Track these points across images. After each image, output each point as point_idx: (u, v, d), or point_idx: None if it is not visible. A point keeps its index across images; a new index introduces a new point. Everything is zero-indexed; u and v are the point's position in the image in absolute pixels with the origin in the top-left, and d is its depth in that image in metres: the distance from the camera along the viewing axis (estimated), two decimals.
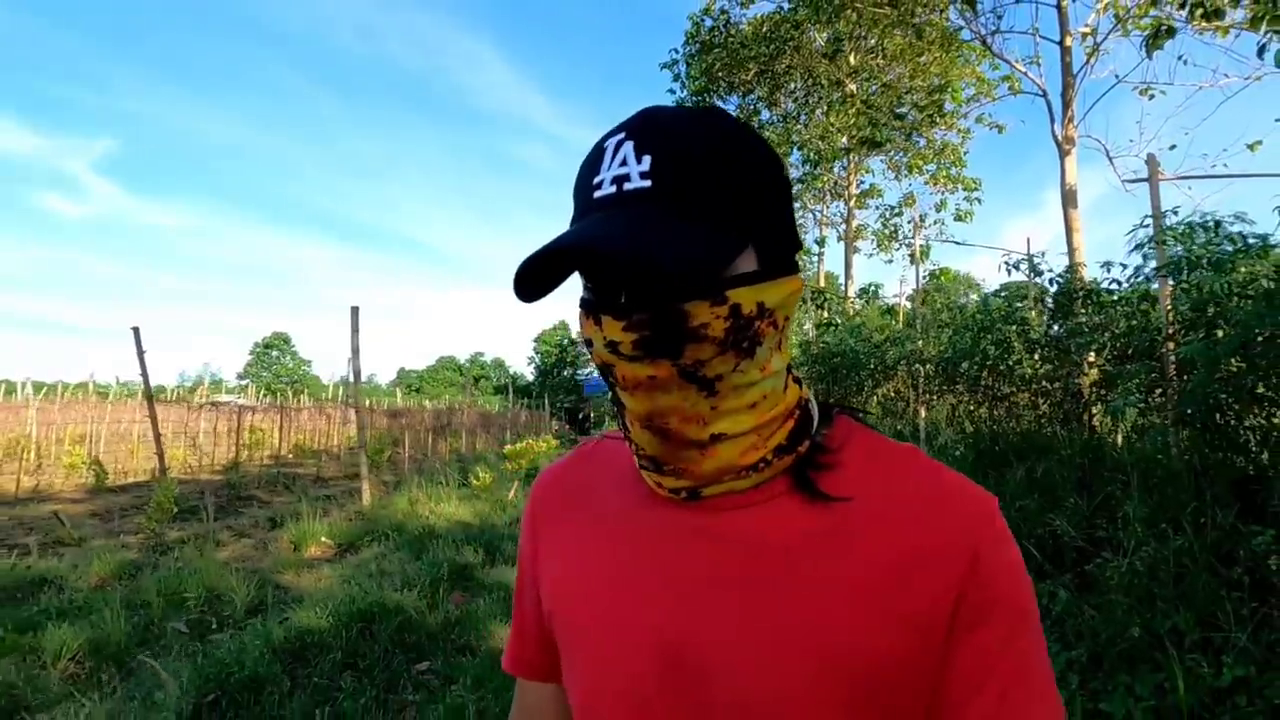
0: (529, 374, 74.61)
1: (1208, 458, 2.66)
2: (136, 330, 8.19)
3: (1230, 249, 2.69)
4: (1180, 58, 9.14)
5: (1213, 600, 2.23)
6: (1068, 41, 10.01)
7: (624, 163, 0.48)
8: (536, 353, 76.50)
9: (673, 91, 18.47)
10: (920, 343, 5.02)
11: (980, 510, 0.53)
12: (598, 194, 0.49)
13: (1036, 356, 3.91)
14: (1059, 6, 10.05)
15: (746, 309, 0.49)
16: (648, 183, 0.47)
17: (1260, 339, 2.32)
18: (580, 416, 39.72)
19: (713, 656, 0.51)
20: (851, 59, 14.28)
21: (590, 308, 0.51)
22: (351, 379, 9.35)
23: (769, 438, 0.53)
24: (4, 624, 3.98)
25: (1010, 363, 4.14)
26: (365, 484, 8.48)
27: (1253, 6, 5.53)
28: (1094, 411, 3.74)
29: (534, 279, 0.49)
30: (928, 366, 4.87)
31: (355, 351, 8.48)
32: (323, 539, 6.91)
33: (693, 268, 0.44)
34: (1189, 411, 2.61)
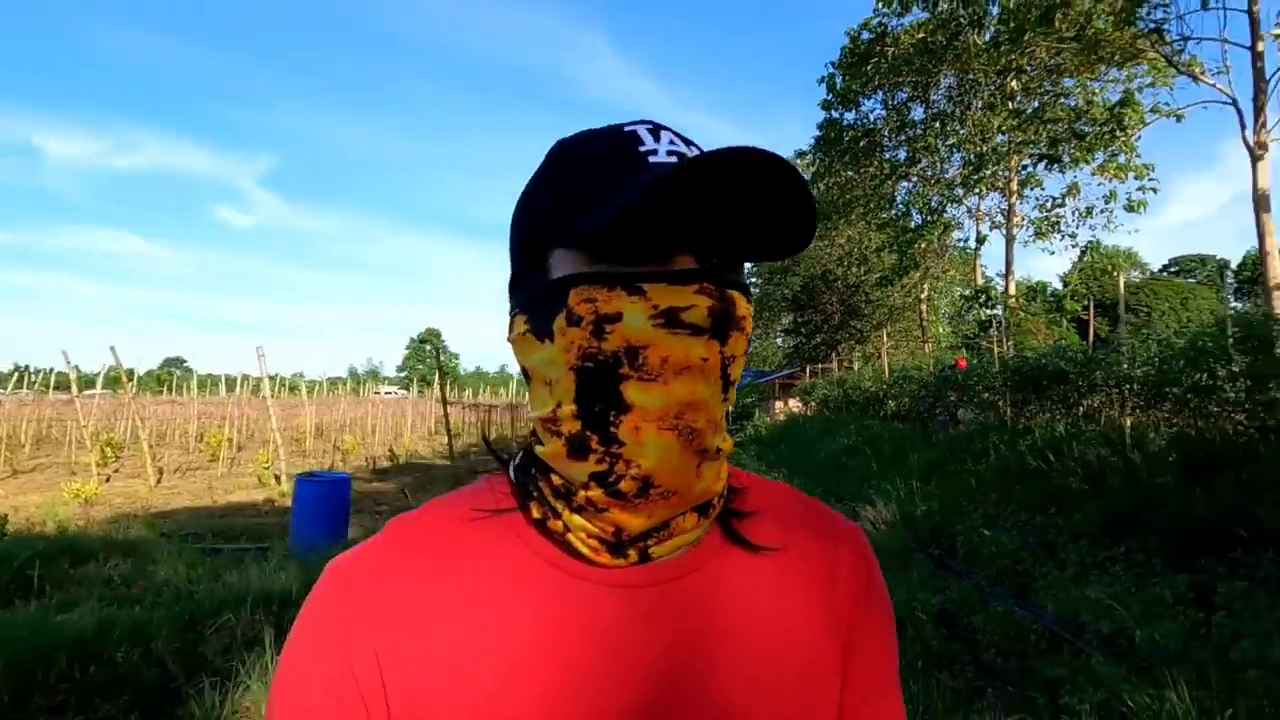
0: None
1: None
2: (438, 351, 10.57)
3: None
4: None
5: None
6: (1260, 47, 10.14)
7: (673, 142, 0.47)
8: None
9: (828, 100, 19.31)
10: (1126, 366, 6.07)
11: (861, 538, 0.58)
12: (653, 159, 0.46)
13: (1237, 385, 4.92)
14: (1250, 12, 10.20)
15: (750, 318, 0.48)
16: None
17: None
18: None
19: None
20: (1015, 61, 14.56)
21: (625, 279, 0.44)
22: None
23: (722, 469, 0.50)
24: None
25: (1212, 384, 5.15)
26: None
27: None
28: None
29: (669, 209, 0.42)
30: (1134, 385, 5.91)
31: None
32: None
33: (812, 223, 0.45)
34: None
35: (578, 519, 0.48)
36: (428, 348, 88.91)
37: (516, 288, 0.52)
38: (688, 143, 0.48)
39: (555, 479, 0.49)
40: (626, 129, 0.48)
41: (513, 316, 0.52)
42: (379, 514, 9.11)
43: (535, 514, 0.50)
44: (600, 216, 0.42)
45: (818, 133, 21.56)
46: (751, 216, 0.46)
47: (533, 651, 0.47)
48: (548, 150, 0.52)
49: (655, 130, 0.48)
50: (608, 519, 0.47)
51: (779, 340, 43.64)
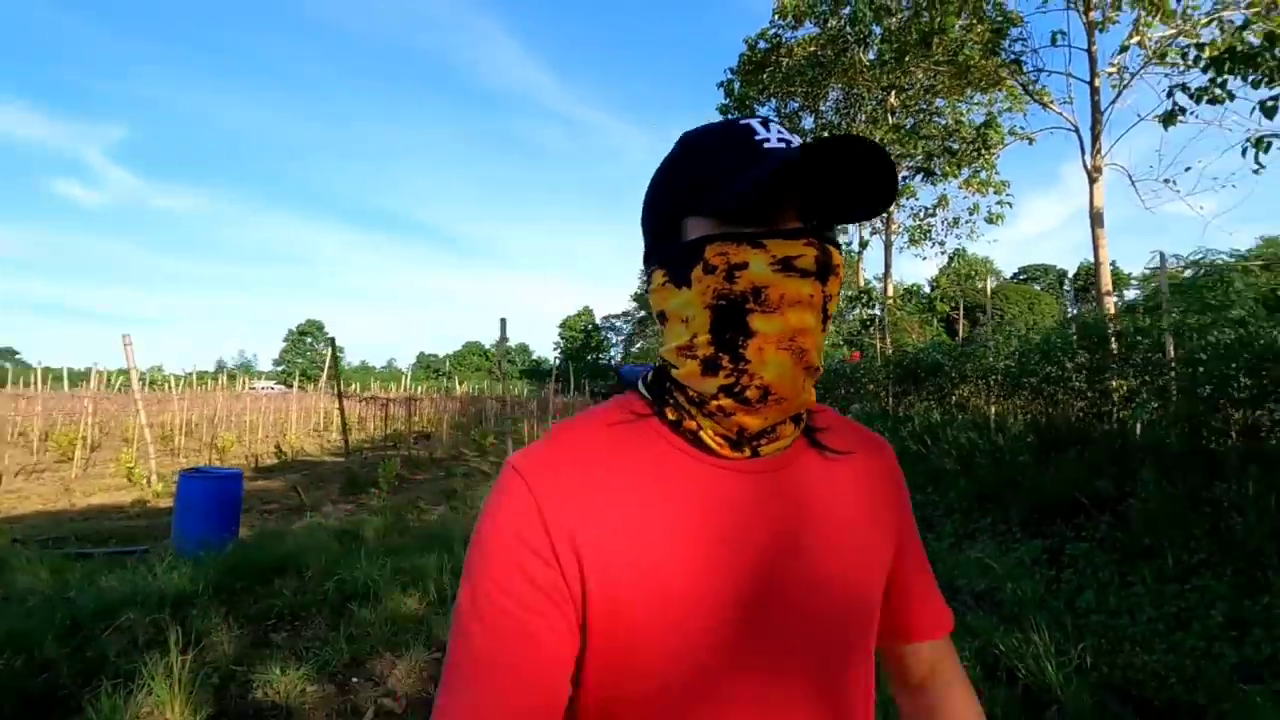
0: (553, 358, 76.58)
1: (1193, 444, 4.48)
2: (333, 340, 10.06)
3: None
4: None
5: (1191, 522, 4.07)
6: (1096, 83, 11.59)
7: (780, 132, 0.59)
8: (561, 338, 78.49)
9: (726, 105, 19.99)
10: (992, 359, 6.86)
11: (891, 450, 0.76)
12: (766, 145, 0.57)
13: (1081, 375, 5.72)
14: (1090, 52, 11.65)
15: (843, 266, 0.60)
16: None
17: (1214, 379, 4.18)
18: None
19: (797, 594, 0.61)
20: (896, 80, 15.80)
21: (750, 236, 0.56)
22: (500, 378, 11.22)
23: (811, 389, 0.62)
24: (383, 557, 5.90)
25: (1061, 375, 5.93)
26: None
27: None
28: (1122, 415, 5.57)
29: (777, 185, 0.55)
30: (998, 376, 6.69)
31: (503, 356, 10.35)
32: None
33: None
34: (1181, 418, 4.43)
35: (708, 422, 0.61)
36: (309, 340, 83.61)
37: (654, 251, 0.65)
38: (791, 132, 0.61)
39: (690, 392, 0.61)
40: (741, 123, 0.60)
41: (651, 272, 0.65)
42: (267, 513, 8.57)
43: (671, 416, 0.62)
44: (740, 187, 0.53)
45: None
46: (846, 187, 0.58)
47: (691, 520, 0.59)
48: (677, 141, 0.64)
49: (764, 123, 0.60)
50: (733, 421, 0.59)
51: None
